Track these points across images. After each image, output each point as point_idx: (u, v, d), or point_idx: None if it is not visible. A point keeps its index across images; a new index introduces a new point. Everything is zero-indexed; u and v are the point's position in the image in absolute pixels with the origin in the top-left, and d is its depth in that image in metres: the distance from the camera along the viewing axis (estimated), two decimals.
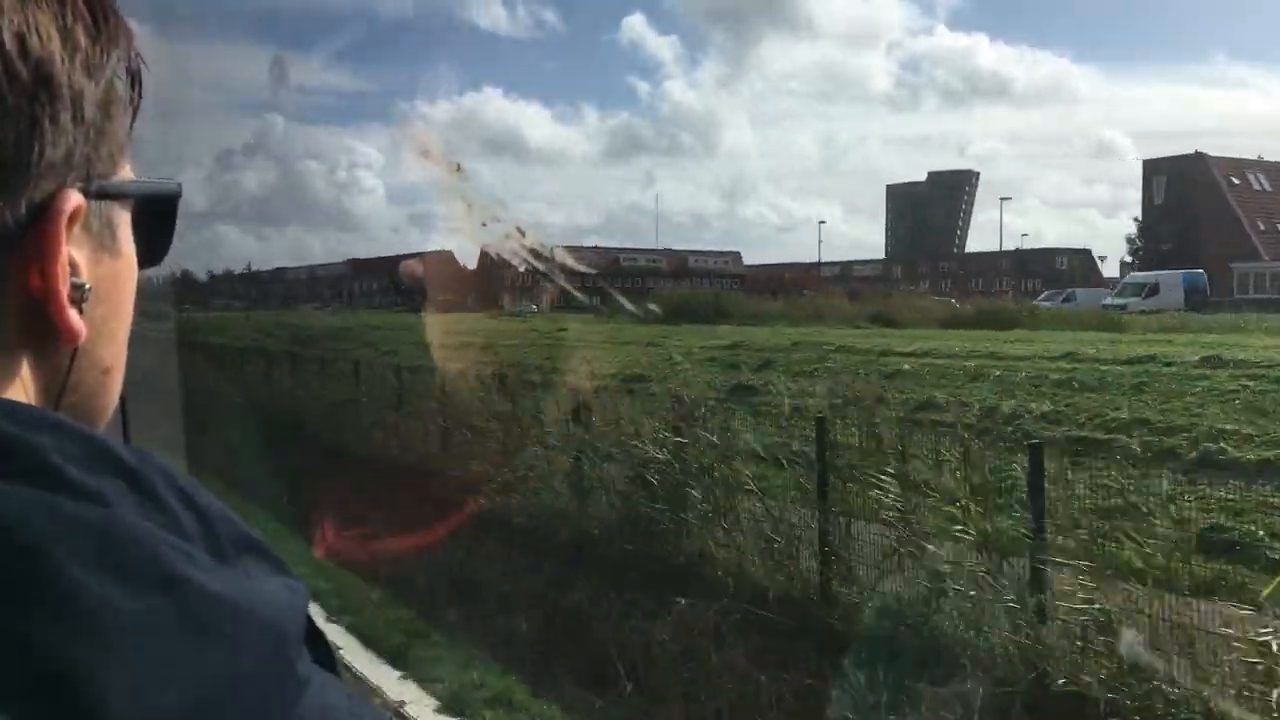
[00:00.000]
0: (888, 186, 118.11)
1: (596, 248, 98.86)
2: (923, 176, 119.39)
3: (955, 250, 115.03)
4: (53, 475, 0.44)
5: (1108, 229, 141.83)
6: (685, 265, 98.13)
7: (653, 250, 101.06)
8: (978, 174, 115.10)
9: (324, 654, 0.50)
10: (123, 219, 0.55)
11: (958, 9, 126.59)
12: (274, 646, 0.45)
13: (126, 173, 0.56)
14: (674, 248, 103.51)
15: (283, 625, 0.46)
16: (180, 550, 0.44)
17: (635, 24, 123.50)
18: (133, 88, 0.56)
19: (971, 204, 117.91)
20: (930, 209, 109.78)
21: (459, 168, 9.17)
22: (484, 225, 9.85)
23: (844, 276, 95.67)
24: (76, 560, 0.41)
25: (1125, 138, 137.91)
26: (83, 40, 0.50)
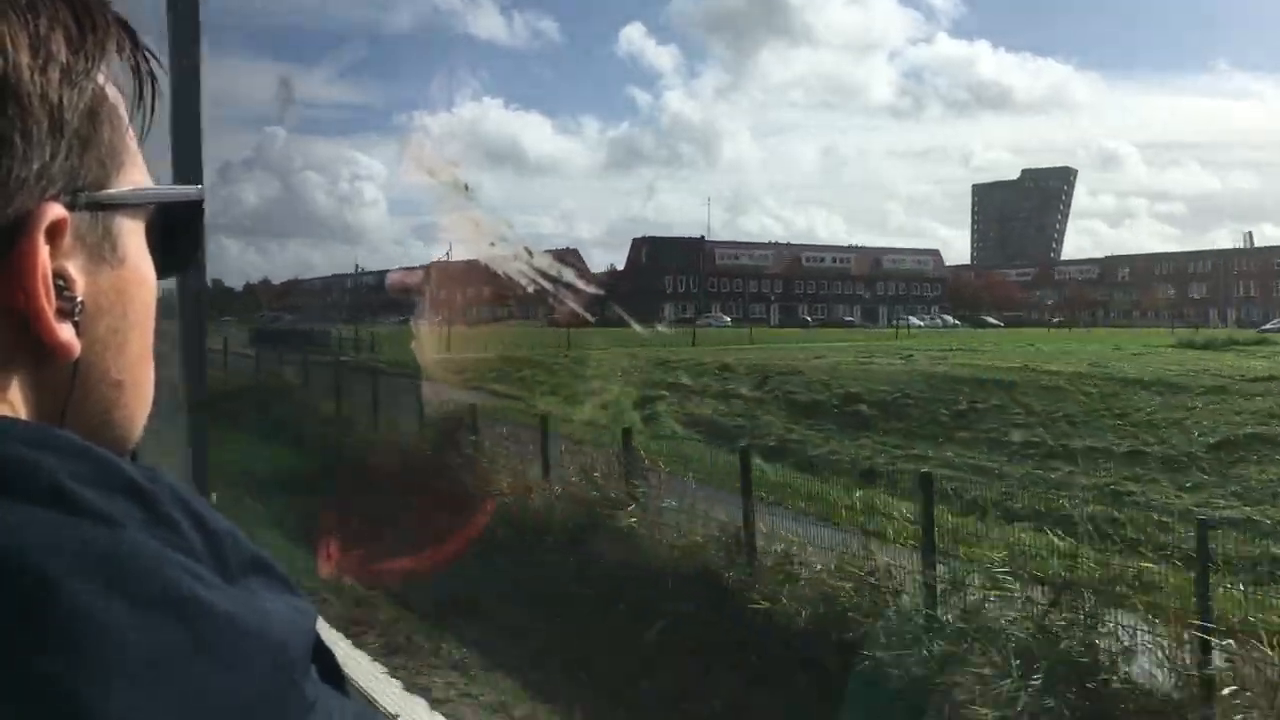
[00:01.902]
0: (974, 186, 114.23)
1: (774, 244, 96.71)
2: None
3: (1051, 253, 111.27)
4: (59, 495, 0.47)
5: (1112, 240, 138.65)
6: (879, 265, 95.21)
7: (839, 248, 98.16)
8: (1075, 171, 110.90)
9: (332, 673, 0.54)
10: (127, 228, 0.57)
11: (959, 18, 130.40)
12: (280, 667, 0.48)
13: (133, 180, 0.58)
14: (862, 244, 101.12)
15: (289, 645, 0.49)
16: (188, 570, 0.47)
17: (634, 34, 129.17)
18: (140, 88, 0.59)
19: (1069, 203, 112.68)
20: (1024, 209, 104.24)
21: (466, 187, 10.22)
22: (492, 245, 10.76)
23: (1059, 281, 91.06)
24: (83, 582, 0.44)
25: (1130, 148, 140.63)
26: (61, 49, 0.53)
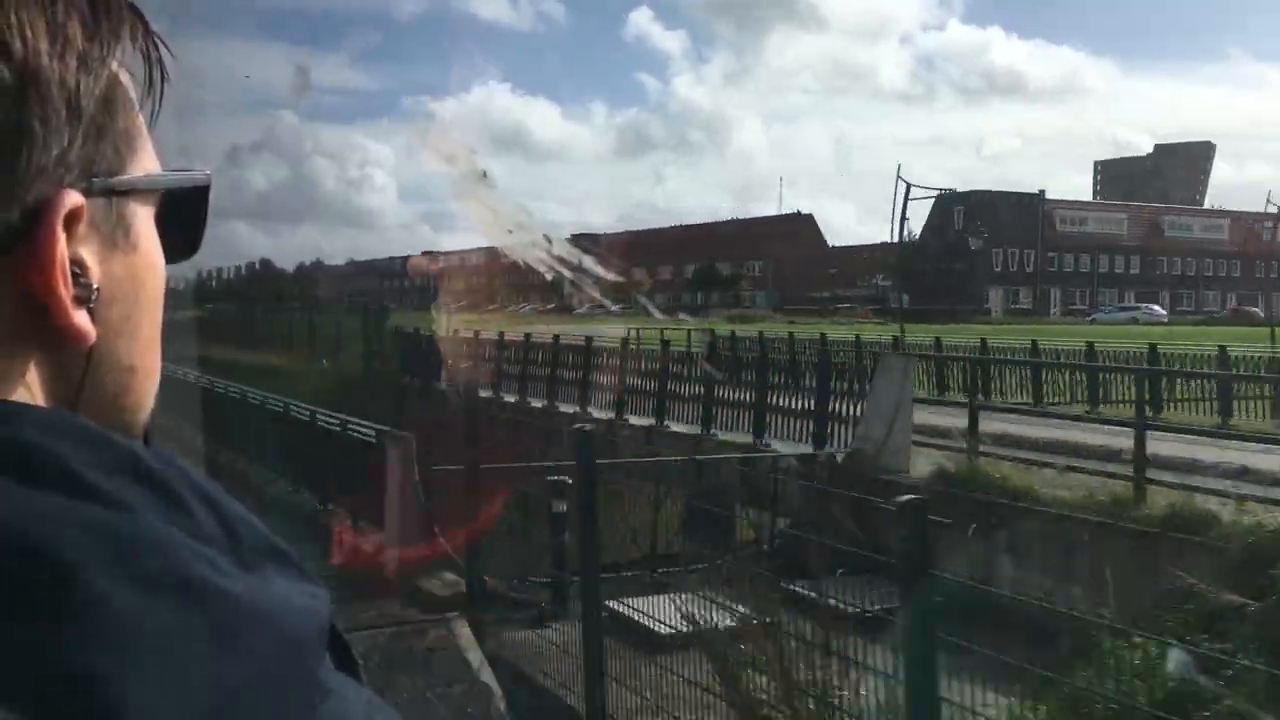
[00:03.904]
0: (1097, 162, 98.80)
1: (1127, 204, 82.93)
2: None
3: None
4: (75, 481, 0.50)
5: None
6: (1253, 236, 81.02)
7: (1209, 212, 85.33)
8: (1214, 145, 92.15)
9: (347, 660, 0.57)
10: (139, 214, 0.61)
11: (972, 3, 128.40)
12: (295, 653, 0.51)
13: (145, 166, 0.61)
14: (1228, 208, 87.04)
15: (304, 632, 0.52)
16: (203, 556, 0.50)
17: (641, 19, 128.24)
18: (150, 75, 0.62)
19: (1207, 181, 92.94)
20: (1157, 187, 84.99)
21: (485, 174, 11.23)
22: (510, 231, 11.65)
23: None
24: (98, 567, 0.47)
25: (1143, 135, 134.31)
26: (78, 36, 0.55)
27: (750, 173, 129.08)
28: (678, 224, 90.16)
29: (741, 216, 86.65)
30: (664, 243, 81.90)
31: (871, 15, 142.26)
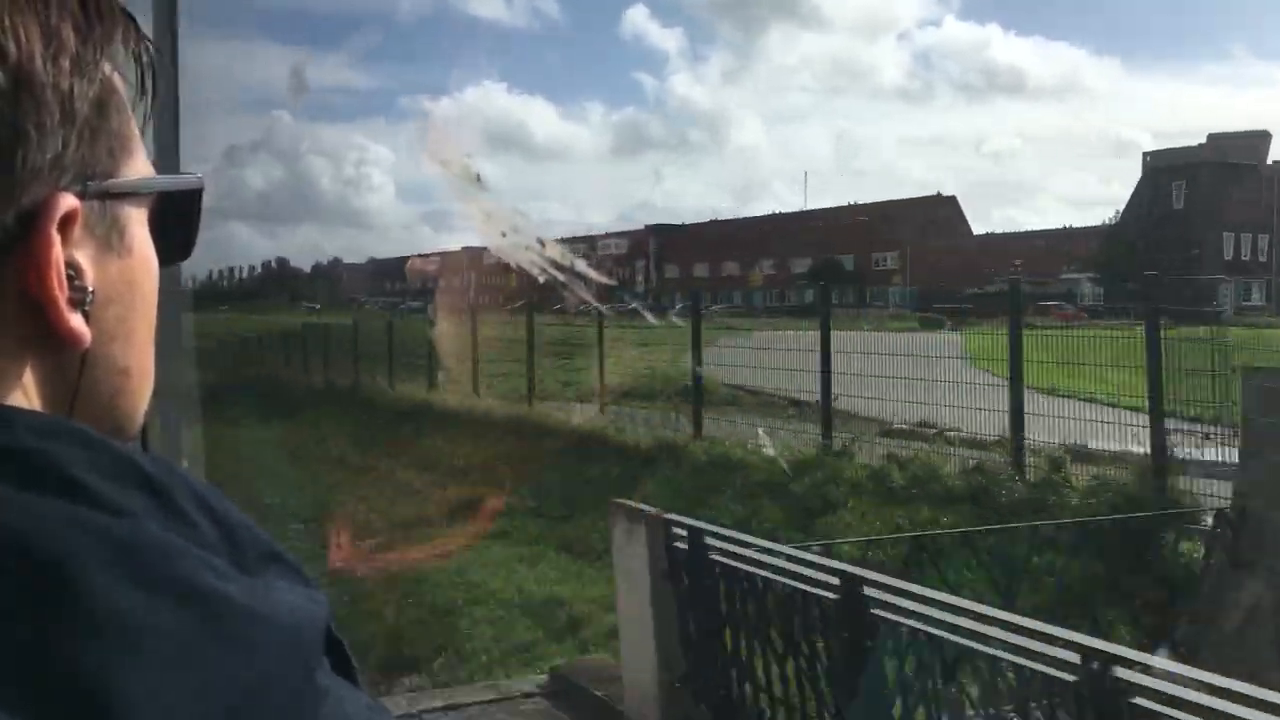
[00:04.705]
0: (1145, 153, 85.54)
1: None
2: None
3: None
4: (74, 486, 0.51)
5: None
6: None
7: None
8: (1270, 136, 77.13)
9: (344, 663, 0.58)
10: (133, 217, 0.62)
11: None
12: (294, 656, 0.52)
13: (138, 169, 0.62)
14: None
15: (303, 635, 0.53)
16: (202, 561, 0.51)
17: (637, 17, 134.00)
18: (142, 79, 0.64)
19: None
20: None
21: (479, 177, 11.47)
22: (504, 235, 11.70)
23: None
24: (99, 572, 0.48)
25: (1144, 134, 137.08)
26: (70, 39, 0.56)
27: (750, 172, 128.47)
28: (773, 212, 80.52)
29: (863, 202, 75.10)
30: (753, 235, 73.97)
31: (869, 11, 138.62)
